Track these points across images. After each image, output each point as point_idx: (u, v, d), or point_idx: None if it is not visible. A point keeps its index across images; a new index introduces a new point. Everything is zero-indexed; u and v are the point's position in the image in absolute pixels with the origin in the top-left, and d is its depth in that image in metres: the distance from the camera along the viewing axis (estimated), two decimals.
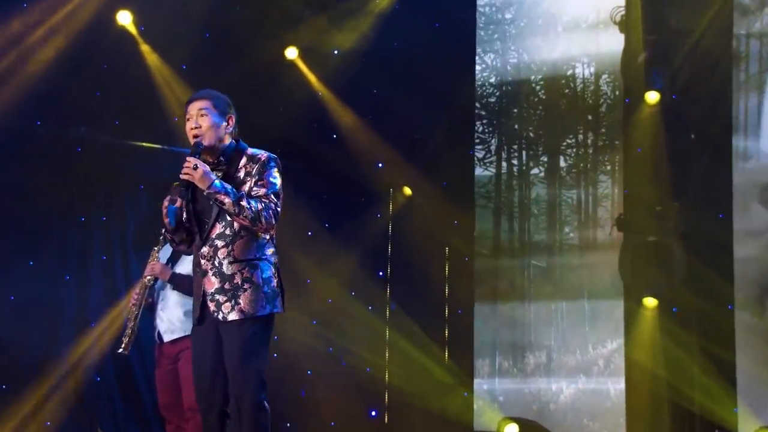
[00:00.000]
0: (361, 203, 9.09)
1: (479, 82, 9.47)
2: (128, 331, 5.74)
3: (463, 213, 9.11)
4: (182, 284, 5.55)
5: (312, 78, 8.93)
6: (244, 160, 4.21)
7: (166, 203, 4.19)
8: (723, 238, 8.04)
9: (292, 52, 8.86)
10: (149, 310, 5.94)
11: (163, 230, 4.30)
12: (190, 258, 4.69)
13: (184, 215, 4.28)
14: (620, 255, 8.28)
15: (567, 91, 9.25)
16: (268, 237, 4.24)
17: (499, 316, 8.84)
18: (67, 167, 7.91)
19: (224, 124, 4.22)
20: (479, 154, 9.34)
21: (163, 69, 8.31)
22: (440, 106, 9.17)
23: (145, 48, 8.24)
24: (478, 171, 9.28)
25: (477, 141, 9.41)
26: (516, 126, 9.48)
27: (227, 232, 4.13)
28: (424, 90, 9.02)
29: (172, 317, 5.80)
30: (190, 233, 4.32)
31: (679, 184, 8.27)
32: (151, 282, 5.82)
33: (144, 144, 8.36)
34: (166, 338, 5.79)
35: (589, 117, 9.24)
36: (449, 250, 9.02)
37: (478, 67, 9.49)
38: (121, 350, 5.74)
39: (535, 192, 9.08)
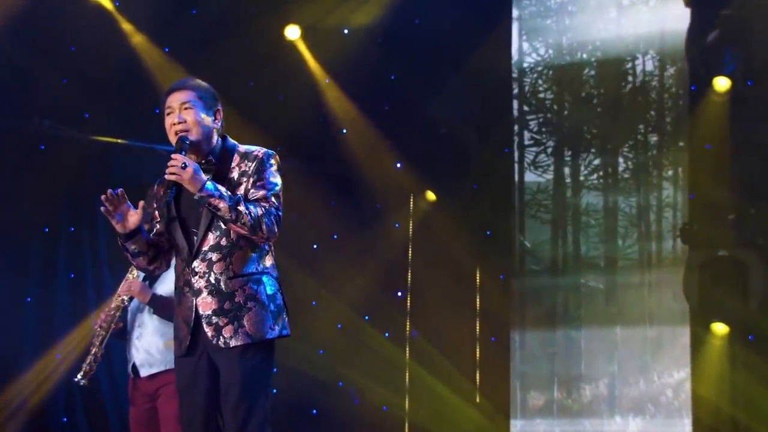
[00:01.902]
0: (375, 211, 8.94)
1: (532, 76, 9.31)
2: (90, 357, 5.58)
3: (499, 222, 8.87)
4: (164, 308, 5.36)
5: (317, 62, 8.72)
6: (236, 159, 4.12)
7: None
8: None
9: (293, 32, 8.67)
10: (119, 336, 5.81)
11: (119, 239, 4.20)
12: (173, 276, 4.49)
13: (156, 225, 4.19)
14: (685, 272, 8.08)
15: (627, 86, 9.11)
16: (268, 247, 4.15)
17: (550, 343, 8.69)
18: (28, 168, 7.78)
19: (211, 118, 4.14)
20: (530, 156, 9.20)
21: (151, 52, 8.21)
22: (470, 96, 8.94)
23: (127, 27, 8.14)
24: (532, 177, 9.12)
25: (530, 142, 9.29)
26: (567, 124, 9.34)
27: (223, 242, 4.04)
28: (451, 76, 8.83)
29: (151, 348, 5.61)
30: (156, 246, 4.20)
31: (756, 187, 8.01)
32: (126, 303, 5.67)
33: (120, 141, 8.29)
34: (143, 372, 5.57)
35: (652, 112, 9.07)
36: (481, 267, 8.83)
37: (530, 59, 9.32)
38: (78, 379, 5.56)
39: (591, 200, 8.95)
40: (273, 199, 4.02)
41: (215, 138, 4.15)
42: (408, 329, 8.78)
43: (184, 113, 4.07)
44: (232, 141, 4.21)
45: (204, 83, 4.24)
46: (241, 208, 3.91)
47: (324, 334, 8.35)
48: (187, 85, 4.19)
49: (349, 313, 8.50)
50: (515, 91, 9.32)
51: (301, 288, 8.06)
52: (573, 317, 8.76)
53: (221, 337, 3.99)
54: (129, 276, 5.64)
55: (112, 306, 5.63)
